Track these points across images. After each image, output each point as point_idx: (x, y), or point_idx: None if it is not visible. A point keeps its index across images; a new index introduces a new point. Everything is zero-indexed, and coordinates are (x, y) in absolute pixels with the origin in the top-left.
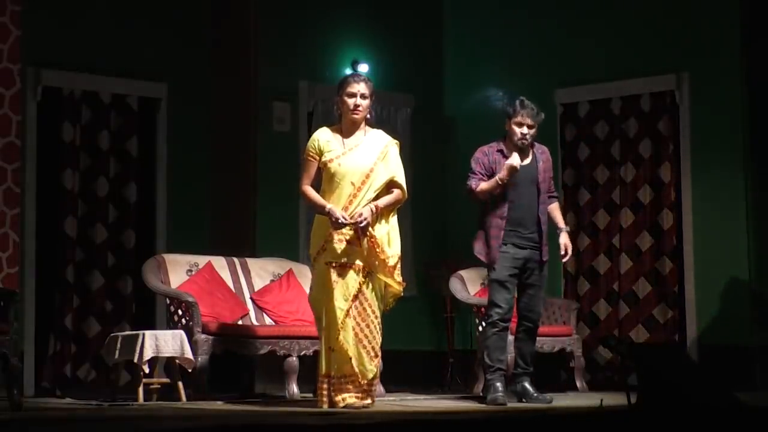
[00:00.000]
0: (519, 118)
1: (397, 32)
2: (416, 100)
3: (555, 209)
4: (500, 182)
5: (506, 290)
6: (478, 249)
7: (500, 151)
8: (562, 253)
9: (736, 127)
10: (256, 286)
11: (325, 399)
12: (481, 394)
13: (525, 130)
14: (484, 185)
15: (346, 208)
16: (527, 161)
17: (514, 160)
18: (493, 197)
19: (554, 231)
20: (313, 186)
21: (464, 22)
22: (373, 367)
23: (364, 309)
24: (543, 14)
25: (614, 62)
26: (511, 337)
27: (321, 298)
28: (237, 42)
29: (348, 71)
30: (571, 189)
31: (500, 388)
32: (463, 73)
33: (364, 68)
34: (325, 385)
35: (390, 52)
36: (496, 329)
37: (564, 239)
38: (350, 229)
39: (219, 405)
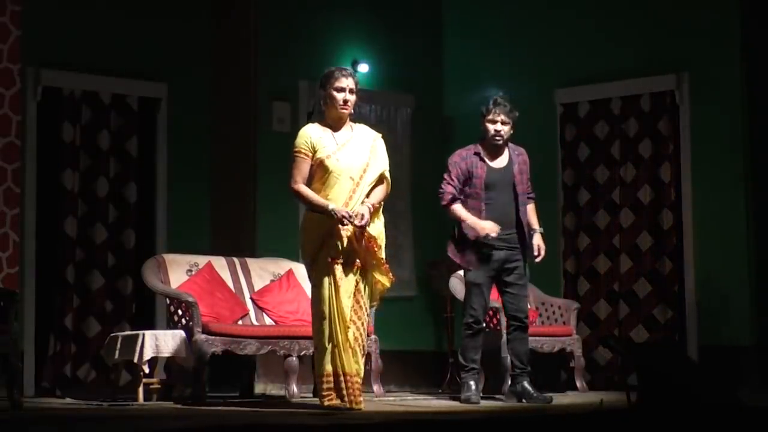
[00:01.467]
0: (491, 116)
1: (397, 32)
2: (416, 100)
3: (530, 210)
4: (470, 231)
5: (481, 293)
6: (452, 251)
7: (477, 153)
8: (535, 253)
9: (736, 127)
10: (256, 286)
11: (332, 396)
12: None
13: (498, 126)
14: (457, 212)
15: (346, 204)
16: (503, 163)
17: (491, 230)
18: (468, 200)
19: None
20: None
21: (464, 22)
22: (362, 364)
23: (360, 307)
24: (543, 14)
25: (614, 62)
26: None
27: (328, 295)
28: (237, 42)
29: None
30: (571, 189)
31: (473, 387)
32: (463, 73)
33: (364, 68)
34: (330, 385)
35: (390, 52)
36: (470, 332)
37: (537, 240)
38: (354, 227)
39: (219, 405)
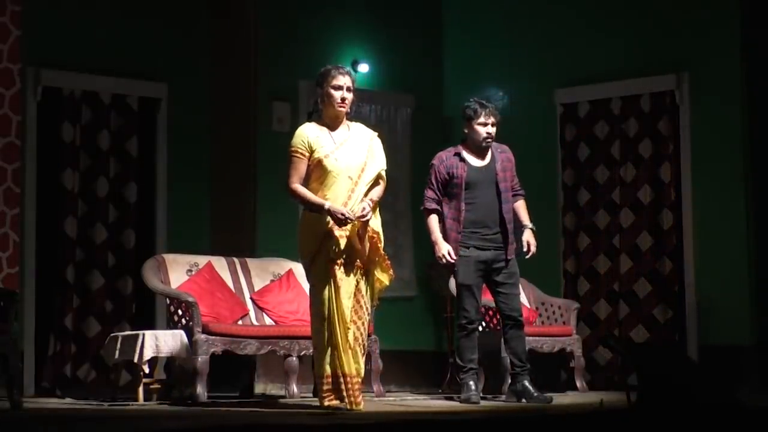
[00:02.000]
0: (482, 119)
1: (397, 32)
2: (416, 100)
3: (520, 207)
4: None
5: (472, 295)
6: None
7: (458, 154)
8: (525, 249)
9: (736, 127)
10: (256, 286)
11: (332, 396)
12: (480, 394)
13: (490, 129)
14: (429, 224)
15: (345, 204)
16: (486, 161)
17: (443, 257)
18: (452, 201)
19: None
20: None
21: (464, 22)
22: (362, 364)
23: (361, 307)
24: (543, 14)
25: (614, 62)
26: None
27: (328, 296)
28: (237, 42)
29: None
30: (571, 189)
31: (473, 388)
32: (463, 73)
33: (364, 68)
34: (329, 386)
35: (390, 52)
36: (465, 332)
37: (527, 236)
38: (354, 226)
39: (219, 405)
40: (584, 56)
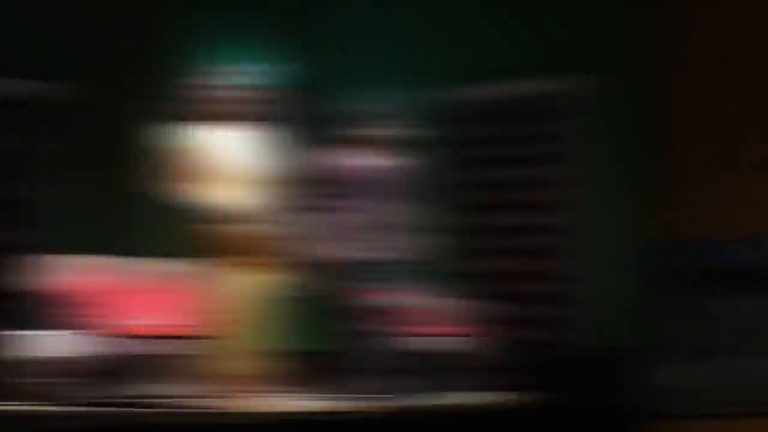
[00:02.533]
0: None
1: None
2: None
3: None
4: None
5: None
6: None
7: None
8: None
9: (632, 127)
10: None
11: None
12: None
13: None
14: None
15: None
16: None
17: None
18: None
19: None
20: None
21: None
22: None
23: None
24: (434, 12)
25: (510, 61)
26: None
27: None
28: None
29: None
30: (465, 190)
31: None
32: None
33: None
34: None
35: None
36: None
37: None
38: None
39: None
40: (478, 54)
